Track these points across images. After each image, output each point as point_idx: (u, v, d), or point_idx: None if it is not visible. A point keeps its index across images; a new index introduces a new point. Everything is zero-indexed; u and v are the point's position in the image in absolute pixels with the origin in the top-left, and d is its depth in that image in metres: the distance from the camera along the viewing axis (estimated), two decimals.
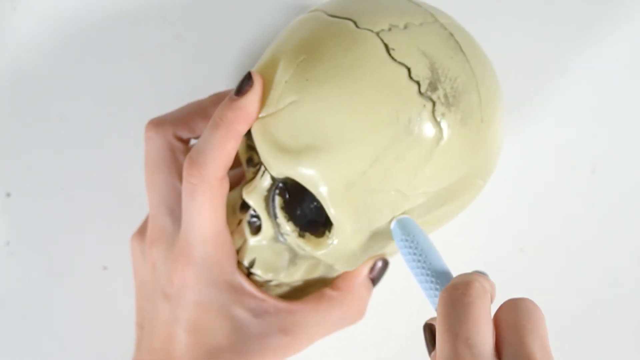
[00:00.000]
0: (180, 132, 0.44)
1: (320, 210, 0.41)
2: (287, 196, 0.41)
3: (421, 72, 0.38)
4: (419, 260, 0.37)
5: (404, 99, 0.37)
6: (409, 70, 0.38)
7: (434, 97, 0.38)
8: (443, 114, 0.38)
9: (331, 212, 0.39)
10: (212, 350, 0.41)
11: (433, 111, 0.37)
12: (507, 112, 0.51)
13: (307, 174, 0.38)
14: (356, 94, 0.37)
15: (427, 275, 0.36)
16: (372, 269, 0.44)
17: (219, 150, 0.39)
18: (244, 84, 0.39)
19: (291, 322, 0.42)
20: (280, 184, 0.41)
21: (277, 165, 0.39)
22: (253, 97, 0.39)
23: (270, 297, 0.42)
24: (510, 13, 0.51)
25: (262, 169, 0.41)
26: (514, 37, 0.51)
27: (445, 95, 0.38)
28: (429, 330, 0.35)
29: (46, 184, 0.47)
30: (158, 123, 0.44)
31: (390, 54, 0.38)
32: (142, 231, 0.45)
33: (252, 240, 0.42)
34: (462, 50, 0.39)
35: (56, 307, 0.49)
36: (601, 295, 0.50)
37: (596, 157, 0.51)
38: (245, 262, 0.42)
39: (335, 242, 0.40)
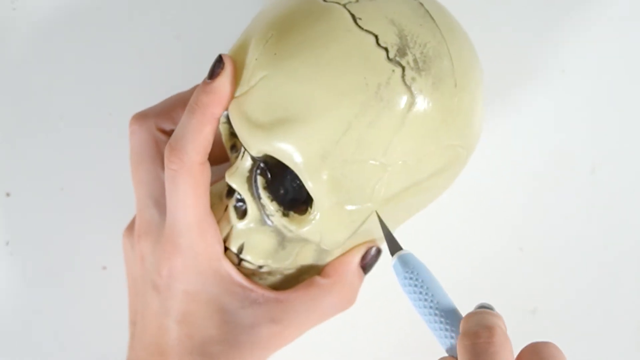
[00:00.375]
0: (163, 124, 0.44)
1: (302, 189, 0.41)
2: (269, 176, 0.41)
3: (389, 38, 0.38)
4: (425, 300, 0.36)
5: (373, 66, 0.37)
6: (376, 37, 0.38)
7: (403, 62, 0.38)
8: (413, 79, 0.38)
9: (309, 185, 0.38)
10: (203, 342, 0.41)
11: (403, 76, 0.38)
12: (507, 112, 0.51)
13: (282, 148, 0.38)
14: (324, 64, 0.38)
15: (436, 315, 0.36)
16: (364, 256, 0.44)
17: (197, 135, 0.40)
18: (216, 67, 0.40)
19: (281, 311, 0.42)
20: (262, 164, 0.41)
21: (253, 143, 0.39)
22: (225, 79, 0.39)
23: (259, 286, 0.42)
24: (510, 13, 0.51)
25: (242, 150, 0.42)
26: (514, 37, 0.51)
27: (415, 60, 0.38)
28: None
29: (46, 184, 0.47)
30: (141, 117, 0.44)
31: (357, 23, 0.38)
32: (131, 227, 0.45)
33: (239, 225, 0.42)
34: (432, 18, 0.39)
35: (56, 307, 0.49)
36: (601, 295, 0.50)
37: (596, 157, 0.51)
38: (234, 248, 0.42)
39: (318, 216, 0.39)
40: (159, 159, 0.44)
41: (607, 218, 0.51)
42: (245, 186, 0.41)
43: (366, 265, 0.44)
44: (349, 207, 0.39)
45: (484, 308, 0.36)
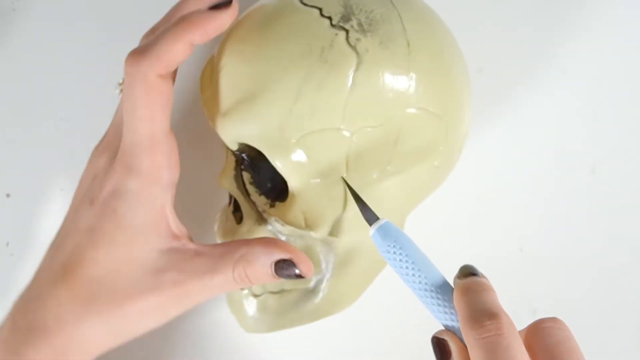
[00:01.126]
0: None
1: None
2: (255, 171, 0.41)
3: (333, 9, 0.39)
4: (413, 274, 0.35)
5: (315, 33, 0.38)
6: (320, 9, 0.39)
7: (347, 26, 0.38)
8: (358, 39, 0.38)
9: (276, 164, 0.38)
10: (107, 274, 0.39)
11: (347, 38, 0.38)
12: (508, 112, 0.51)
13: (245, 130, 0.39)
14: (269, 40, 0.38)
15: (427, 290, 0.35)
16: (278, 263, 0.40)
17: (165, 46, 0.38)
18: (222, 3, 0.38)
19: (192, 264, 0.40)
20: (245, 158, 0.41)
21: (224, 134, 0.40)
22: (223, 15, 0.38)
23: (184, 236, 0.40)
24: (510, 13, 0.51)
25: (226, 149, 0.42)
26: (514, 37, 0.51)
27: (360, 24, 0.38)
28: (439, 345, 0.34)
29: (46, 184, 0.47)
30: (140, 62, 0.41)
31: (302, 2, 0.39)
32: (97, 147, 0.44)
33: (241, 232, 0.42)
34: None
35: None
36: (601, 295, 0.50)
37: (596, 157, 0.51)
38: None
39: (295, 198, 0.39)
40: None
41: (607, 218, 0.51)
42: (235, 185, 0.41)
43: (277, 273, 0.40)
44: (322, 181, 0.39)
45: (469, 274, 0.35)
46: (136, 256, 0.39)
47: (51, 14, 0.51)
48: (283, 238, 0.42)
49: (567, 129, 0.51)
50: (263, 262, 0.39)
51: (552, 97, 0.51)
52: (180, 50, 0.38)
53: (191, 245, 0.40)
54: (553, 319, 0.34)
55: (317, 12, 0.39)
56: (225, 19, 0.38)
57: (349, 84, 0.37)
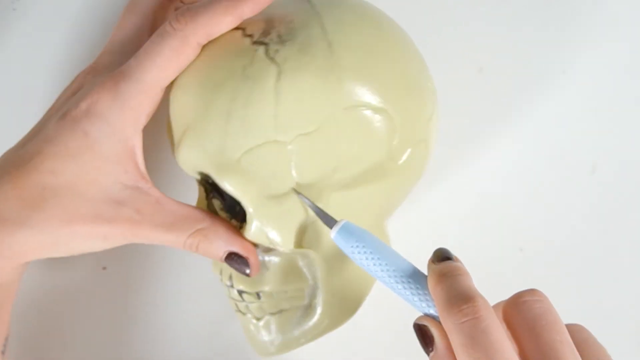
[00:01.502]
0: None
1: None
2: (222, 197, 0.42)
3: (255, 27, 0.39)
4: (382, 269, 0.35)
5: (238, 53, 0.39)
6: (243, 30, 0.39)
7: (267, 40, 0.39)
8: (276, 50, 0.38)
9: (225, 186, 0.39)
10: (63, 188, 0.39)
11: (267, 52, 0.38)
12: (508, 113, 0.51)
13: (192, 157, 0.40)
14: (201, 70, 0.39)
15: (399, 281, 0.35)
16: (230, 255, 0.41)
17: (216, 18, 0.39)
18: None
19: (153, 208, 0.40)
20: (209, 186, 0.42)
21: (180, 164, 0.41)
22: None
23: (150, 182, 0.41)
24: (510, 12, 0.51)
25: (196, 181, 0.43)
26: (514, 37, 0.51)
27: (279, 35, 0.39)
28: (421, 331, 0.34)
29: None
30: None
31: (236, 28, 0.40)
32: (87, 69, 0.44)
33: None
34: (309, 1, 0.40)
35: (56, 307, 0.49)
36: (601, 295, 0.50)
37: (596, 157, 0.51)
38: (227, 281, 0.43)
39: (252, 217, 0.39)
40: (151, 18, 0.43)
41: (607, 218, 0.51)
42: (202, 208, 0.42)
43: (226, 261, 0.41)
44: (273, 196, 0.39)
45: (444, 257, 0.35)
46: (99, 181, 0.40)
47: (51, 14, 0.51)
48: (261, 257, 0.42)
49: (567, 129, 0.51)
50: (219, 246, 0.40)
51: (552, 97, 0.51)
52: (228, 23, 0.39)
53: (156, 192, 0.41)
54: (531, 291, 0.34)
55: (240, 32, 0.39)
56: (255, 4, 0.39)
57: (274, 95, 0.38)
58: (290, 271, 0.42)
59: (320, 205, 0.39)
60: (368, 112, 0.39)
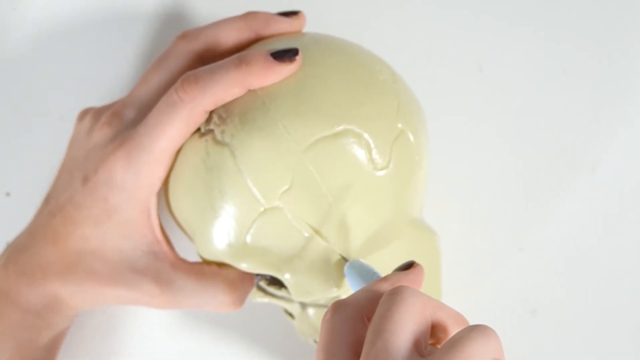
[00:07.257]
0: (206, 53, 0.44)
1: None
2: (267, 276, 0.42)
3: (209, 120, 0.40)
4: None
5: (194, 150, 0.40)
6: (199, 129, 0.41)
7: (211, 126, 0.40)
8: (222, 131, 0.39)
9: (242, 266, 0.41)
10: (92, 253, 0.42)
11: (214, 138, 0.39)
12: (508, 112, 0.51)
13: (206, 256, 0.42)
14: (176, 179, 0.41)
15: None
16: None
17: (223, 88, 0.39)
18: (287, 55, 0.39)
19: (168, 277, 0.42)
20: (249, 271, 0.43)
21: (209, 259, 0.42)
22: (284, 69, 0.39)
23: (167, 243, 0.43)
24: (510, 12, 0.51)
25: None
26: (514, 36, 0.51)
27: (219, 117, 0.40)
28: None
29: (46, 184, 0.47)
30: (191, 38, 0.43)
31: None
32: (100, 112, 0.45)
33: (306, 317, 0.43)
34: None
35: None
36: (601, 295, 0.50)
37: (596, 157, 0.51)
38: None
39: (287, 281, 0.41)
40: (177, 77, 0.42)
41: (607, 218, 0.51)
42: (262, 295, 0.43)
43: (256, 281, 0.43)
44: (291, 257, 0.40)
45: (407, 266, 0.35)
46: (121, 248, 0.42)
47: (51, 14, 0.51)
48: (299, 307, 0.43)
49: (567, 128, 0.51)
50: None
51: (552, 97, 0.51)
52: (235, 93, 0.40)
53: (170, 256, 0.43)
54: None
55: (197, 133, 0.40)
56: (286, 72, 0.39)
57: (239, 173, 0.38)
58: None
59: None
60: (332, 139, 0.39)
